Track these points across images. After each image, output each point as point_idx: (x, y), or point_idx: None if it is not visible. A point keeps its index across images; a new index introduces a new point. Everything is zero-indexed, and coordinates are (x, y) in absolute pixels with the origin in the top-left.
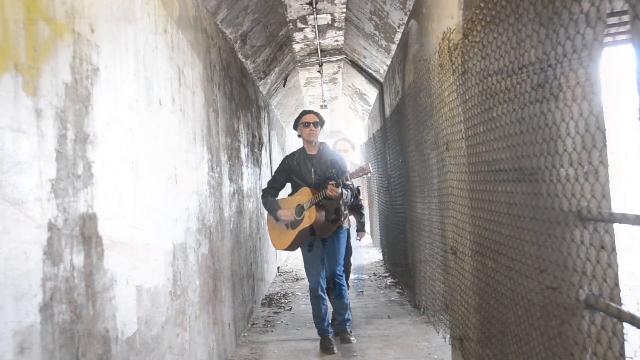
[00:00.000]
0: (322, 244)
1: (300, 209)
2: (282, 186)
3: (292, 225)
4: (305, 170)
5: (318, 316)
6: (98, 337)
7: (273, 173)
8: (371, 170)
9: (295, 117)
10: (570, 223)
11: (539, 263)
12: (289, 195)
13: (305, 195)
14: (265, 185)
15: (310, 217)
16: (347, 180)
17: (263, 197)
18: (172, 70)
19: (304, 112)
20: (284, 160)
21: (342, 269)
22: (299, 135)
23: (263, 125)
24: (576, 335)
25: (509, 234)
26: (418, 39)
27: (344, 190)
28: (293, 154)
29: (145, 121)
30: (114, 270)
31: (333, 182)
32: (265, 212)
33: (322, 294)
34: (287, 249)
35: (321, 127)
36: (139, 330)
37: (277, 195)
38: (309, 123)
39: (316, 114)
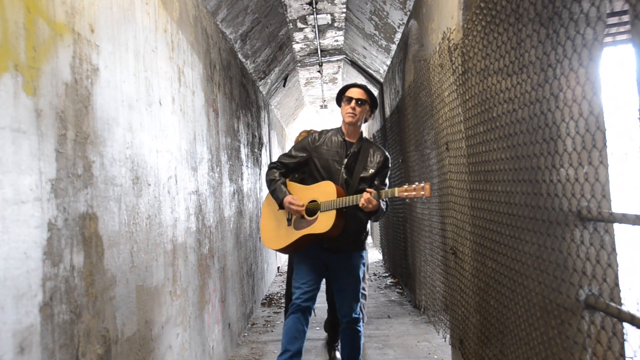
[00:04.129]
0: (328, 263)
1: (314, 207)
2: (297, 167)
3: (297, 223)
4: (335, 158)
5: (288, 334)
6: (98, 337)
7: (290, 148)
8: (429, 195)
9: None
10: (570, 223)
11: (539, 263)
12: (302, 182)
13: (327, 191)
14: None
15: (327, 223)
16: (392, 195)
17: (268, 173)
18: (172, 70)
19: (350, 85)
20: (311, 135)
21: (360, 309)
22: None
23: (263, 125)
24: (576, 335)
25: (509, 234)
26: (418, 39)
27: (382, 206)
28: (326, 131)
29: (145, 121)
30: (114, 270)
31: (373, 191)
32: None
33: (304, 315)
34: (280, 250)
35: (371, 109)
36: (139, 330)
37: (287, 176)
38: (351, 98)
39: (366, 90)
